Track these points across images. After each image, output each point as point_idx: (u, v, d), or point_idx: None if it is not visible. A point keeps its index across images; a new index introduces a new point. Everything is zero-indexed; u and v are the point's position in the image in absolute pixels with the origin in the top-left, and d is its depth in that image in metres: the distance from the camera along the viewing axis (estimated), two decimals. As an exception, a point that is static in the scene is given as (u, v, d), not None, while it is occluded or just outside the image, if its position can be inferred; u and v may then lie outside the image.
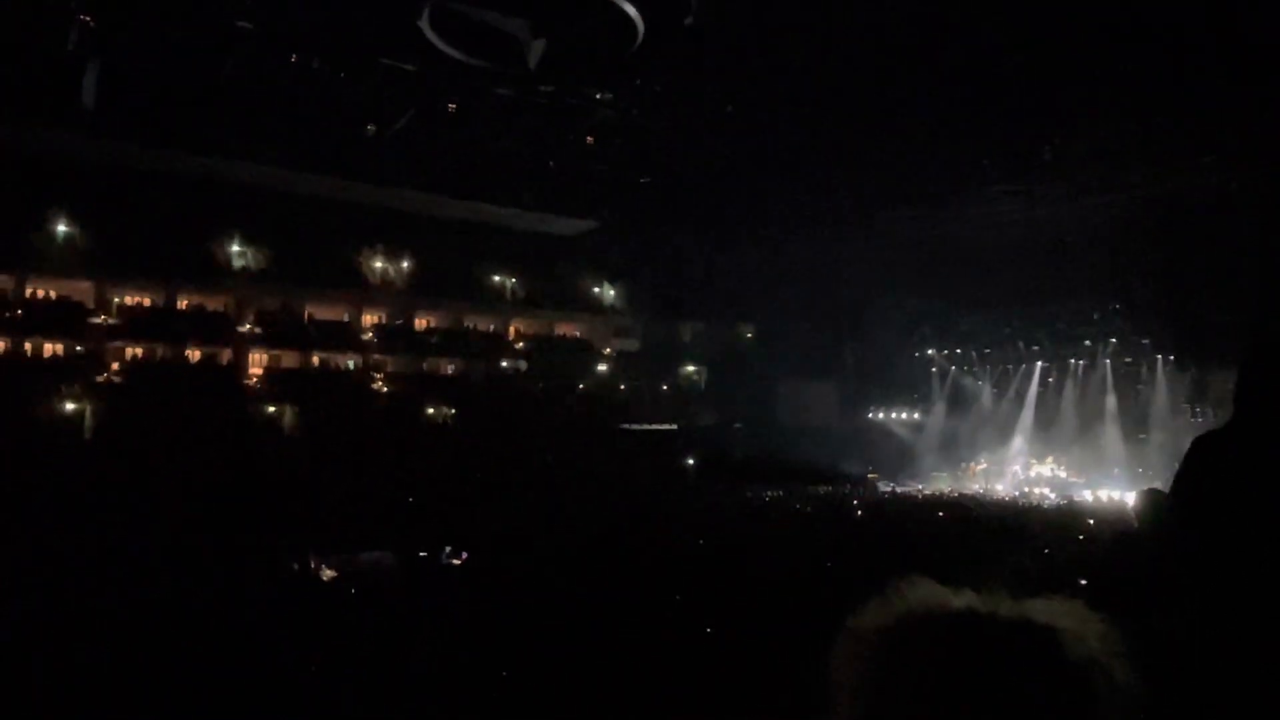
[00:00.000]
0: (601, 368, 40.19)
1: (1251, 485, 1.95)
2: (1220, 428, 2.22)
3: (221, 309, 32.23)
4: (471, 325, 37.94)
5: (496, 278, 38.38)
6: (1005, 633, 0.88)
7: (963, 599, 0.93)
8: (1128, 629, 0.93)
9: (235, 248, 31.80)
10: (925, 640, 0.89)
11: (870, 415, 39.15)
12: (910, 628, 0.91)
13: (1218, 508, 2.04)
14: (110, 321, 29.58)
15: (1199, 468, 2.16)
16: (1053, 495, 30.19)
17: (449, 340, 36.87)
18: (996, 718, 0.83)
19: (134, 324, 30.12)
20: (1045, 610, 0.90)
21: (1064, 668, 0.85)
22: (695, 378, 43.28)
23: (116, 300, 30.44)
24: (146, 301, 31.22)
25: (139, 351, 30.30)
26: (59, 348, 28.89)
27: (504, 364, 37.75)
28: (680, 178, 30.76)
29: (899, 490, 31.97)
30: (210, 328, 31.56)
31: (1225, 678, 1.78)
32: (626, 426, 37.21)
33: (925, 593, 0.94)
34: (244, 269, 32.02)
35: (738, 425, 39.74)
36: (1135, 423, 31.99)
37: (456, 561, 15.53)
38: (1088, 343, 34.18)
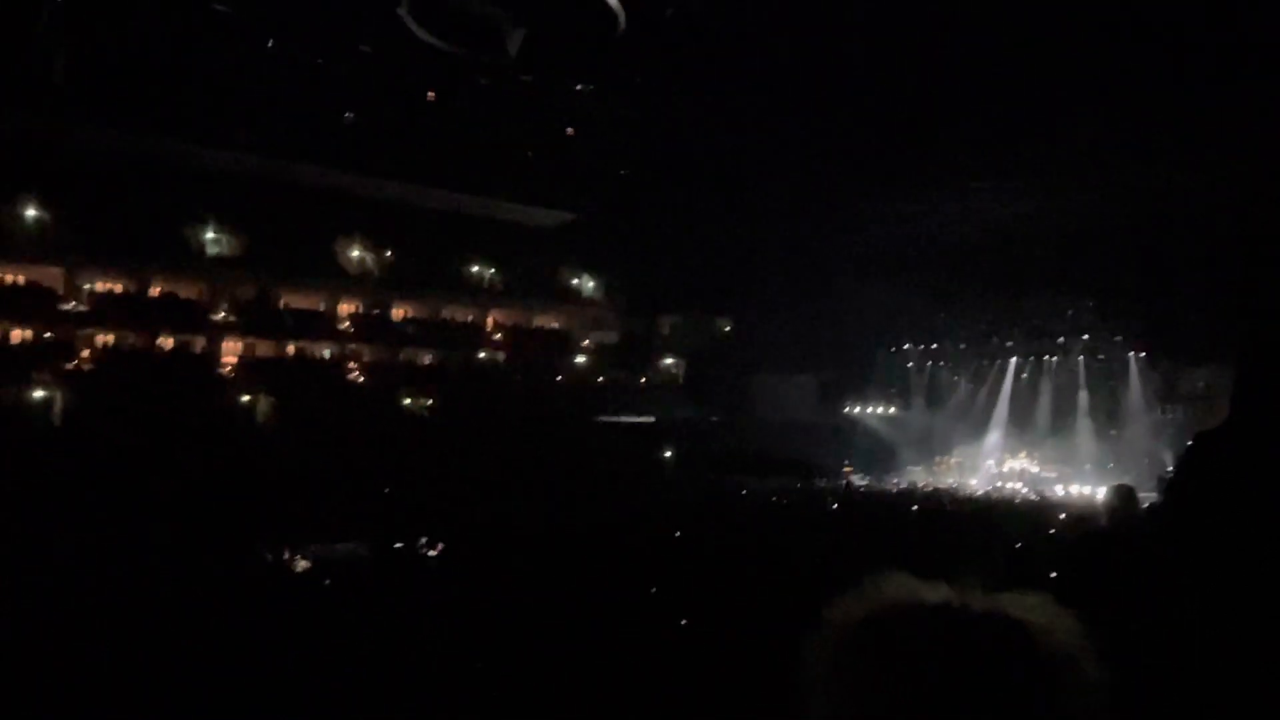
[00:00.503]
0: (580, 359, 40.14)
1: (1249, 485, 1.96)
2: (1218, 426, 2.23)
3: (195, 297, 31.83)
4: (449, 316, 37.75)
5: (475, 268, 38.19)
6: (977, 626, 0.88)
7: (936, 592, 0.93)
8: (1098, 624, 0.93)
9: (209, 235, 31.40)
10: (899, 633, 0.89)
11: (847, 409, 39.39)
12: (885, 620, 0.91)
13: (1216, 506, 2.04)
14: (80, 308, 29.14)
15: (1197, 466, 2.16)
16: (1025, 490, 30.53)
17: (426, 331, 36.65)
18: (967, 709, 0.84)
19: (105, 311, 29.68)
20: (1016, 604, 0.91)
21: (1034, 661, 0.86)
22: (673, 371, 43.34)
23: (87, 287, 29.97)
24: (118, 288, 30.77)
25: (110, 339, 29.88)
26: (28, 334, 28.41)
27: (482, 355, 37.60)
28: (659, 170, 30.75)
29: (874, 484, 32.19)
30: (183, 316, 31.15)
31: (1215, 676, 1.79)
32: (604, 419, 37.19)
33: (899, 586, 0.95)
34: (218, 256, 31.63)
35: (715, 418, 39.84)
36: (1107, 418, 32.42)
37: (432, 553, 15.48)
38: (1061, 339, 34.56)
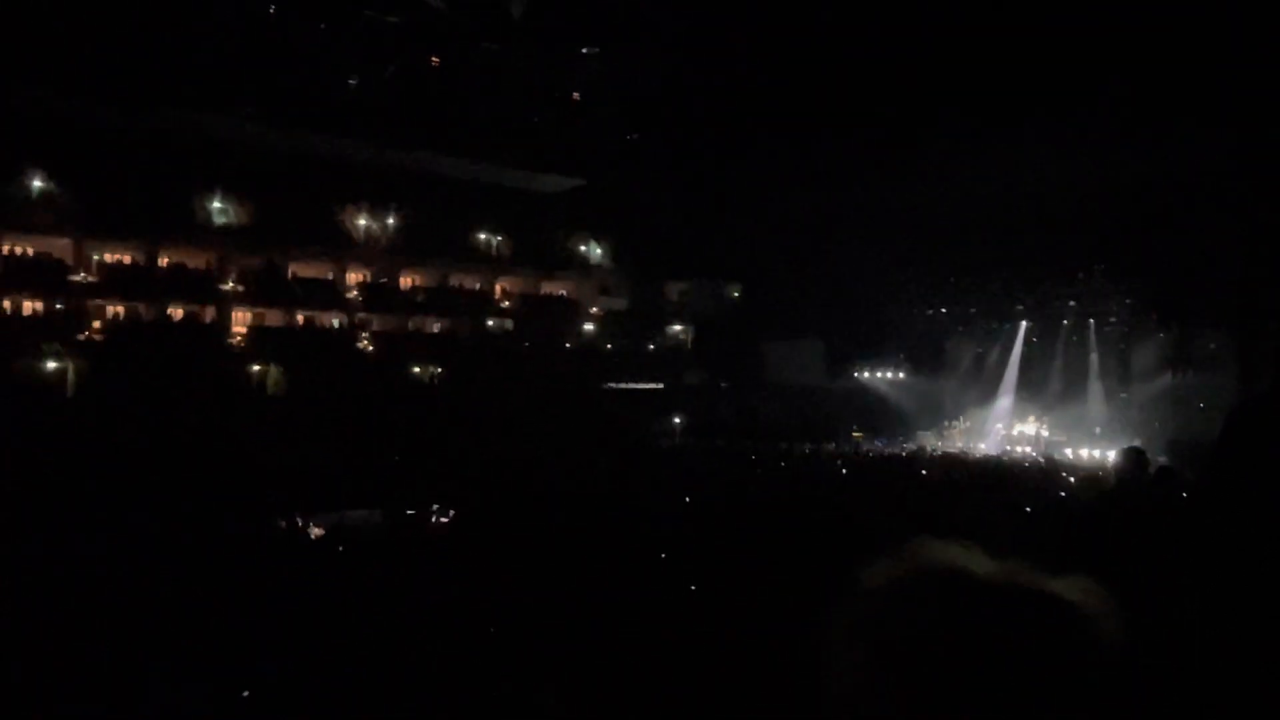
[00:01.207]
0: (588, 327, 40.13)
1: None
2: (1262, 394, 2.14)
3: (203, 267, 31.88)
4: (457, 284, 37.72)
5: (482, 236, 38.08)
6: (1028, 605, 0.84)
7: (980, 563, 0.89)
8: (1107, 584, 0.92)
9: (216, 204, 31.36)
10: (944, 603, 0.86)
11: (856, 374, 39.36)
12: (928, 589, 0.88)
13: (1259, 478, 1.97)
14: (90, 279, 29.22)
15: (1243, 437, 2.08)
16: (1033, 454, 30.55)
17: (435, 299, 36.65)
18: (1008, 686, 0.81)
19: (114, 282, 29.76)
20: (1066, 587, 0.87)
21: (1081, 646, 0.83)
22: (682, 337, 43.31)
23: (96, 258, 30.03)
24: (127, 259, 30.82)
25: (120, 310, 30.00)
26: (38, 305, 28.54)
27: (490, 323, 37.62)
28: (667, 135, 30.49)
29: (884, 448, 32.27)
30: (192, 286, 31.22)
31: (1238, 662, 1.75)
32: (613, 385, 37.26)
33: (941, 553, 0.90)
34: (225, 226, 31.61)
35: (724, 384, 39.87)
36: (1118, 382, 32.31)
37: (444, 520, 15.63)
38: (1073, 303, 34.35)
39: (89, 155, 27.80)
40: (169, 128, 29.49)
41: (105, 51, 23.62)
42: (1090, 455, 28.00)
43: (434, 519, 15.81)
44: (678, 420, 37.33)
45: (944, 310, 38.46)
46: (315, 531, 14.46)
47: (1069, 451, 30.22)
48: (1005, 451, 31.48)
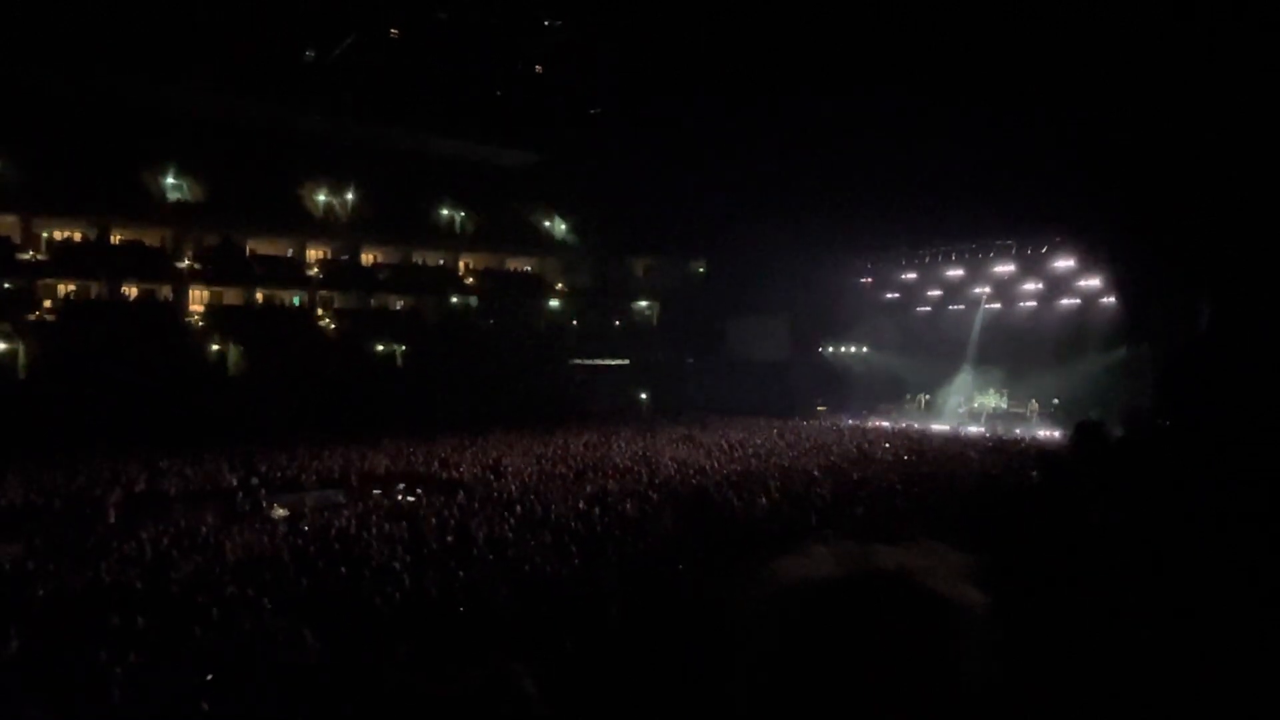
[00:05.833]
0: (553, 303, 39.97)
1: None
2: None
3: (158, 244, 31.13)
4: (420, 260, 37.30)
5: (445, 212, 37.64)
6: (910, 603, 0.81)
7: (883, 559, 0.85)
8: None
9: (170, 180, 30.61)
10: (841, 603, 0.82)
11: (821, 350, 39.65)
12: (831, 590, 0.84)
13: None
14: (39, 258, 28.42)
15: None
16: (993, 425, 31.07)
17: (398, 276, 36.22)
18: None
19: (65, 260, 28.97)
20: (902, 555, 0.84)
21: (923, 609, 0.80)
22: (648, 313, 43.30)
23: (45, 235, 29.20)
24: (77, 236, 30.02)
25: (72, 288, 29.24)
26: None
27: (454, 300, 37.30)
28: (630, 108, 30.28)
29: (850, 421, 32.64)
30: (147, 263, 30.48)
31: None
32: (579, 361, 37.20)
33: (842, 552, 0.86)
34: (180, 202, 30.89)
35: (690, 360, 39.99)
36: (1076, 355, 32.84)
37: (411, 499, 15.56)
38: (1033, 277, 34.81)
39: (35, 128, 26.94)
40: (119, 100, 28.67)
41: (52, 18, 22.85)
42: (1046, 432, 28.45)
43: (400, 497, 15.73)
44: (644, 396, 37.40)
45: (908, 285, 38.75)
46: (279, 512, 14.32)
47: (1027, 422, 30.80)
48: (962, 422, 31.99)
